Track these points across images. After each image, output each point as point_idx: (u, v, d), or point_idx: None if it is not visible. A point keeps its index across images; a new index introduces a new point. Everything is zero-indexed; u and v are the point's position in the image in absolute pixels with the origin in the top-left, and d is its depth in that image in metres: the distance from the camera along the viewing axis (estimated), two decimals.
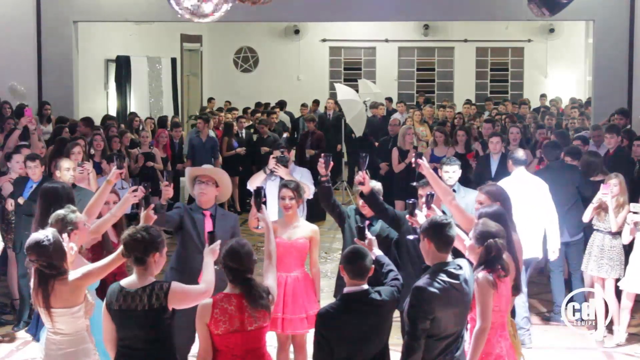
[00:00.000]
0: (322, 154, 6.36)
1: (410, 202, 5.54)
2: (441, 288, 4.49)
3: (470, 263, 4.90)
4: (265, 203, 5.43)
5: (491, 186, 6.19)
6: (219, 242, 4.87)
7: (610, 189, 7.88)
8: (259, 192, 5.45)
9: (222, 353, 4.54)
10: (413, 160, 6.04)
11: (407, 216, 5.55)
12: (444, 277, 4.54)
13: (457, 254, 5.04)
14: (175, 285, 4.60)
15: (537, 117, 14.63)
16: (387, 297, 4.58)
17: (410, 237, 5.28)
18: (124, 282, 4.61)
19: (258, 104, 18.88)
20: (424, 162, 6.00)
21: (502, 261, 4.83)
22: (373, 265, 4.66)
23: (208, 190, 6.29)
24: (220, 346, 4.52)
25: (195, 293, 4.65)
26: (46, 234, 4.79)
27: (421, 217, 5.39)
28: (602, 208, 8.00)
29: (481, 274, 4.78)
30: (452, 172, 7.65)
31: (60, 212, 5.46)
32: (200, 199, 6.29)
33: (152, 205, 5.52)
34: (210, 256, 4.83)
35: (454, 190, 7.44)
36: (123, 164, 6.15)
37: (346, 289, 4.57)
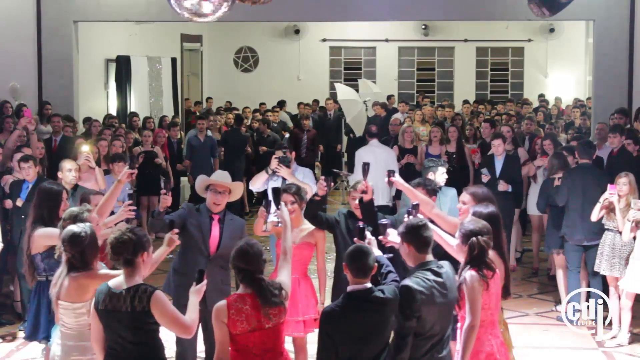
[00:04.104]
0: (322, 177, 6.32)
1: (382, 222, 5.43)
2: (426, 286, 4.57)
3: (457, 263, 4.99)
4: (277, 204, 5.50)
5: (477, 187, 6.17)
6: (205, 282, 4.71)
7: (620, 188, 7.85)
8: (278, 191, 5.61)
9: (241, 353, 4.54)
10: (386, 179, 6.02)
11: (381, 237, 5.41)
12: (429, 275, 4.63)
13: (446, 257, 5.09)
14: (159, 294, 4.52)
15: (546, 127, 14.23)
16: (390, 295, 4.59)
17: (386, 256, 5.32)
18: (111, 282, 4.59)
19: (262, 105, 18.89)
20: (397, 179, 6.03)
21: (486, 259, 4.89)
22: (375, 264, 4.67)
23: (223, 200, 6.25)
24: (240, 346, 4.54)
25: (175, 318, 4.52)
26: (84, 228, 4.89)
27: (393, 236, 5.26)
28: (611, 208, 7.96)
29: (469, 273, 4.84)
30: (441, 174, 7.65)
31: (74, 209, 5.53)
32: (214, 209, 6.23)
33: (176, 231, 5.39)
34: (195, 295, 4.68)
35: (439, 188, 7.45)
36: (135, 164, 6.12)
37: (350, 288, 4.57)
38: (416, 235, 4.73)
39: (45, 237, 6.01)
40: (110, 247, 4.59)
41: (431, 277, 4.62)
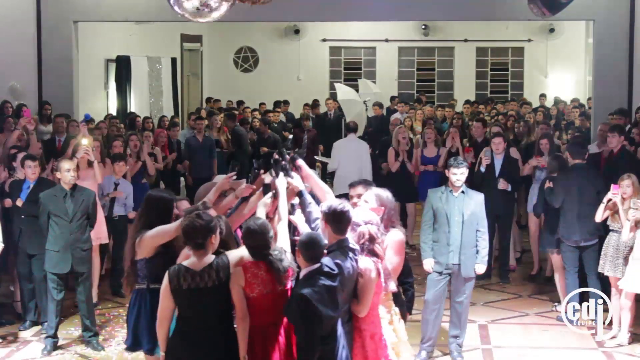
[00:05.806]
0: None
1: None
2: (348, 264, 4.98)
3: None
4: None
5: (383, 190, 5.96)
6: (270, 195, 5.40)
7: (624, 190, 7.84)
8: (278, 161, 5.65)
9: (256, 317, 4.91)
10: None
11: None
12: (350, 253, 5.02)
13: None
14: (231, 255, 5.02)
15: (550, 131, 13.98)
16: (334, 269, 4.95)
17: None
18: (186, 263, 4.96)
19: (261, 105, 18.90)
20: (303, 164, 5.79)
21: (374, 247, 5.17)
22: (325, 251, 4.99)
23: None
24: (256, 308, 4.90)
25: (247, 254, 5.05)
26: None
27: (297, 181, 5.53)
28: (615, 210, 7.94)
29: (364, 262, 5.09)
30: (460, 174, 7.39)
31: (191, 208, 5.55)
32: None
33: (272, 193, 5.47)
34: (262, 207, 5.31)
35: (463, 192, 7.38)
36: (258, 177, 5.78)
37: (305, 270, 4.89)
38: (336, 220, 5.05)
39: (158, 236, 5.65)
40: (182, 232, 4.98)
41: (350, 255, 5.03)
